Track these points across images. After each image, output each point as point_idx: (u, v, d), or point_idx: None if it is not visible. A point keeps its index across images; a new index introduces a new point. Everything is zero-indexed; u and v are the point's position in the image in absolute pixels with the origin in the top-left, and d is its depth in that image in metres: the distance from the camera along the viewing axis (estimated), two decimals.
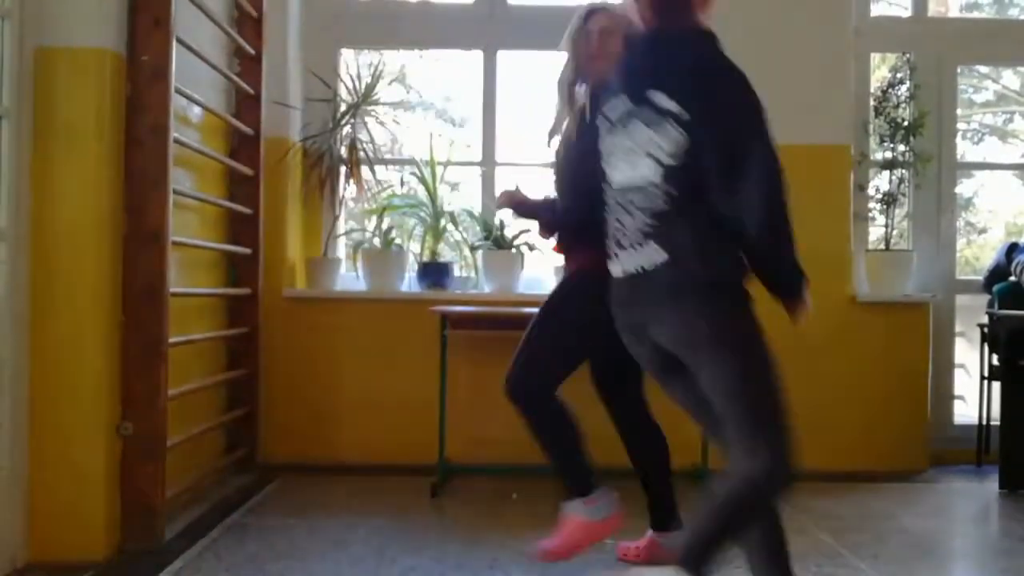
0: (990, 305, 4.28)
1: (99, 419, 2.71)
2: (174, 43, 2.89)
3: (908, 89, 4.36)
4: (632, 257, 2.08)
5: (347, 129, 4.27)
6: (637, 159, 2.07)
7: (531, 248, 4.35)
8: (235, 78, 3.74)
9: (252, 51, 3.82)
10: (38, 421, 2.66)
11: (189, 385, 3.21)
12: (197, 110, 3.41)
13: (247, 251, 3.82)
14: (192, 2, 3.18)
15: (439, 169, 4.38)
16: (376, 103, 4.36)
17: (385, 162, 4.61)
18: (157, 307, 2.84)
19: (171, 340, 2.92)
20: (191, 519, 3.14)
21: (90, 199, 2.69)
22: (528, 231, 4.36)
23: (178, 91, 2.97)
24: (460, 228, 4.48)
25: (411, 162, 4.49)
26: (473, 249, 4.40)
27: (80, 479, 2.69)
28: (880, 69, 4.71)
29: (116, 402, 2.78)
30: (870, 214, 4.41)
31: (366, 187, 4.34)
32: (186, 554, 2.79)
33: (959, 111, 4.85)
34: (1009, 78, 6.78)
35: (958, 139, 4.83)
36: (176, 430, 3.00)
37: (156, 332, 2.84)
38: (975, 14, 6.41)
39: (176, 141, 2.96)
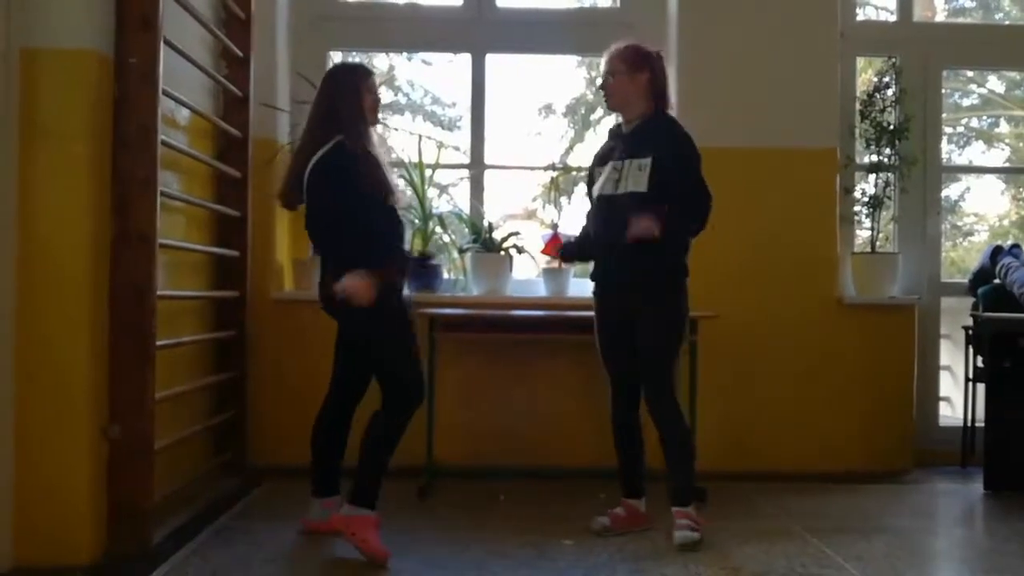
0: (975, 308, 4.31)
1: (86, 422, 2.70)
2: (162, 45, 2.88)
3: (894, 93, 4.39)
4: None
5: None
6: None
7: (520, 251, 4.35)
8: (223, 80, 3.73)
9: (240, 53, 3.81)
10: (24, 423, 2.65)
11: (177, 388, 3.19)
12: (185, 112, 3.40)
13: (235, 253, 3.81)
14: (180, 4, 3.18)
15: (427, 171, 4.38)
16: None
17: None
18: (144, 309, 2.83)
19: (159, 343, 2.91)
20: (179, 522, 3.13)
21: (77, 201, 2.68)
22: (517, 234, 4.37)
23: (166, 93, 2.96)
24: (449, 230, 4.49)
25: (399, 165, 4.48)
26: (462, 251, 4.40)
27: (67, 482, 2.68)
28: (866, 73, 4.74)
29: (103, 405, 2.77)
30: (856, 217, 4.44)
31: None
32: (173, 557, 2.78)
33: (945, 115, 4.88)
34: (994, 82, 6.84)
35: (944, 143, 4.87)
36: (163, 433, 2.98)
37: (143, 335, 2.83)
38: (960, 19, 6.46)
39: (164, 143, 2.95)
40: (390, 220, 2.95)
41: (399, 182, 3.08)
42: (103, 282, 2.77)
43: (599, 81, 3.20)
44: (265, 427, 4.02)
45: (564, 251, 3.37)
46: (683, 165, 3.05)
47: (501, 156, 4.69)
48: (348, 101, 2.94)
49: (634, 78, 3.10)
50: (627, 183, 3.04)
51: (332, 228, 2.91)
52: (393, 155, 3.21)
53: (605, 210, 3.11)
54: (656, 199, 2.98)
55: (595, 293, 3.26)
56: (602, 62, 3.18)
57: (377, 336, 2.92)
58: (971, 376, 4.31)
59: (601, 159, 3.23)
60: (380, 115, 3.14)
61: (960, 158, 6.84)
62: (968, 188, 6.85)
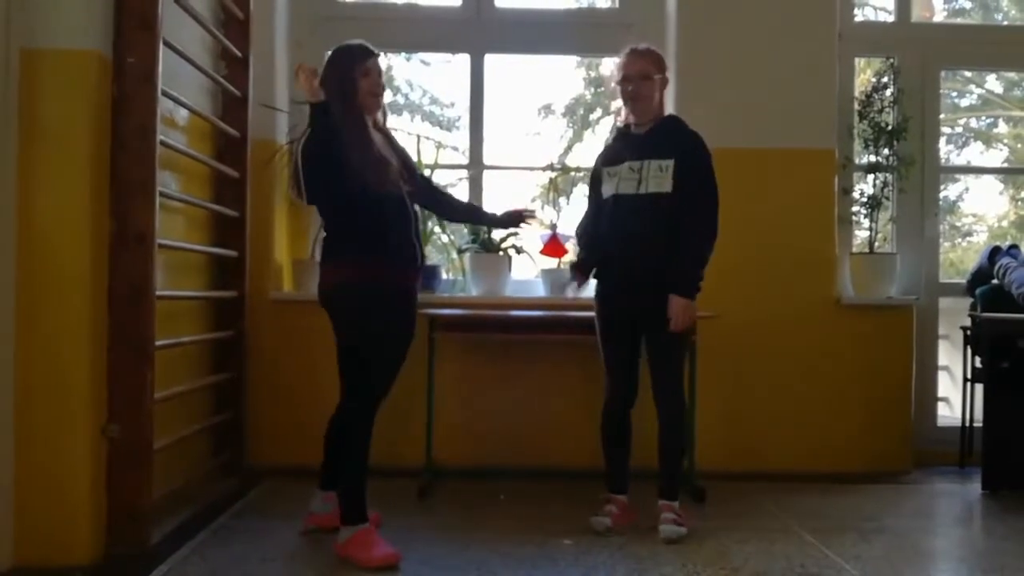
0: (973, 308, 4.32)
1: (85, 422, 2.70)
2: (161, 45, 2.88)
3: (892, 93, 4.40)
4: None
5: None
6: None
7: (519, 251, 4.35)
8: (222, 80, 3.73)
9: (239, 53, 3.81)
10: (24, 423, 2.65)
11: (175, 388, 3.19)
12: (183, 112, 3.40)
13: (233, 253, 3.81)
14: (178, 4, 3.18)
15: (426, 171, 4.37)
16: None
17: None
18: (143, 310, 2.84)
19: (157, 343, 2.91)
20: (177, 522, 3.13)
21: (76, 201, 2.68)
22: (515, 234, 4.37)
23: (164, 93, 2.97)
24: (448, 231, 4.49)
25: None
26: (461, 252, 4.40)
27: (66, 482, 2.68)
28: (864, 73, 4.75)
29: (102, 405, 2.77)
30: (854, 217, 4.44)
31: None
32: (172, 557, 2.78)
33: (943, 115, 4.89)
34: (993, 82, 6.85)
35: (942, 143, 4.88)
36: (162, 433, 2.99)
37: (142, 335, 2.83)
38: (959, 19, 6.47)
39: (162, 143, 2.96)
40: (375, 213, 2.88)
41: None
42: (102, 282, 2.77)
43: (628, 83, 3.17)
44: (263, 427, 4.02)
45: (579, 266, 3.31)
46: (704, 167, 3.12)
47: (500, 156, 4.69)
48: (340, 90, 2.88)
49: (662, 81, 3.20)
50: (648, 184, 3.09)
51: (325, 217, 2.99)
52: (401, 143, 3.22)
53: (624, 209, 3.14)
54: (674, 199, 3.06)
55: (600, 292, 3.27)
56: (621, 64, 3.19)
57: (365, 344, 2.89)
58: (969, 376, 4.32)
59: (610, 159, 3.26)
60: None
61: (958, 158, 6.86)
62: (967, 188, 6.87)
